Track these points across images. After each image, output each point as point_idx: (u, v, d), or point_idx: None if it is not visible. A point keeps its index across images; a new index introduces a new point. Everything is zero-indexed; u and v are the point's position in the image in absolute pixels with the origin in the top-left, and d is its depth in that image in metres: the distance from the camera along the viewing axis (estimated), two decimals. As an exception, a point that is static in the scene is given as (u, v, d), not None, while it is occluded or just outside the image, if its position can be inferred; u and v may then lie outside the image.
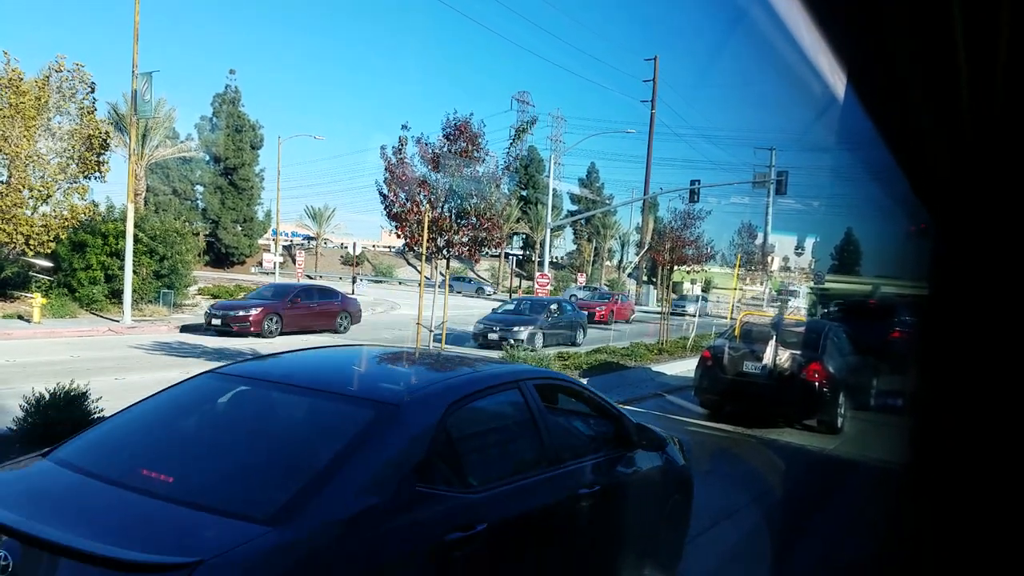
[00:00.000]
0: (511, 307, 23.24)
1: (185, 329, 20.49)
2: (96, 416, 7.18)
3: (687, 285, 42.91)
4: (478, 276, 64.00)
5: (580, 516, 3.75)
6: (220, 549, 2.30)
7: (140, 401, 3.57)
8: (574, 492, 3.72)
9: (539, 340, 19.96)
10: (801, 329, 11.71)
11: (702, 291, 46.92)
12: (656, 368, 16.31)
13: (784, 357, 10.53)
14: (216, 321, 19.46)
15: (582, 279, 58.54)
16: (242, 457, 3.17)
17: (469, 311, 31.64)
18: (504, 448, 3.84)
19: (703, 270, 31.08)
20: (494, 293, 53.15)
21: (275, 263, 47.49)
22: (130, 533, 2.50)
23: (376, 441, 2.90)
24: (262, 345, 17.70)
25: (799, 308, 42.51)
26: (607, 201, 68.51)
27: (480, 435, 3.75)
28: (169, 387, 3.67)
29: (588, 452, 4.21)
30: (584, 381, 11.64)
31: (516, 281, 62.04)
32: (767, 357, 10.55)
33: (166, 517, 2.57)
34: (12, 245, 20.43)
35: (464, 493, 3.13)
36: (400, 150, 11.95)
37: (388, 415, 3.04)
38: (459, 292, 51.59)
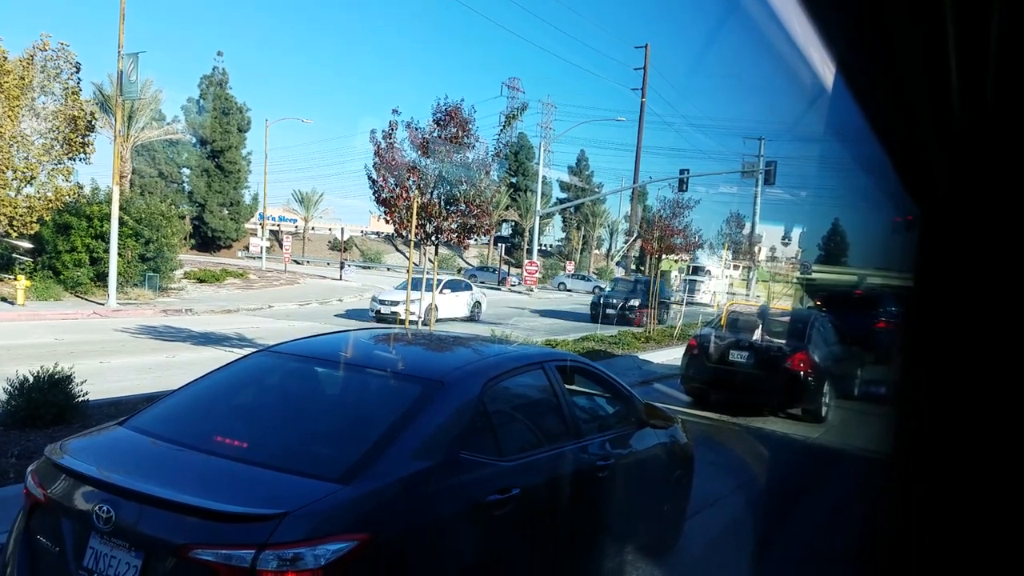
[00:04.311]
0: None
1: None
2: (80, 399, 7.15)
3: (675, 274, 42.52)
4: (464, 264, 63.78)
5: (597, 485, 4.07)
6: (301, 502, 2.60)
7: (200, 378, 3.84)
8: (592, 464, 4.04)
9: None
10: (787, 319, 11.78)
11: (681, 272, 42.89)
12: (643, 356, 16.37)
13: (770, 346, 10.60)
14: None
15: (571, 267, 58.62)
16: (306, 426, 3.52)
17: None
18: (532, 422, 4.12)
19: (691, 259, 31.12)
20: (519, 284, 48.06)
21: (262, 247, 47.23)
22: (217, 489, 2.76)
23: (425, 413, 3.23)
24: (264, 331, 17.64)
25: (714, 292, 40.84)
26: (596, 189, 68.50)
27: (511, 410, 4.06)
28: (226, 364, 3.99)
29: (604, 428, 4.62)
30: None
31: (505, 267, 61.80)
32: (753, 346, 10.62)
33: (247, 476, 2.86)
34: (-4, 227, 20.21)
35: (500, 461, 3.43)
36: (390, 135, 11.86)
37: (434, 390, 3.37)
38: (482, 283, 49.45)
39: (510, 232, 71.03)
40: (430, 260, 13.80)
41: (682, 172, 32.89)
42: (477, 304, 24.40)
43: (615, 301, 25.83)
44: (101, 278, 22.14)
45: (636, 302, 25.12)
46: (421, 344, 4.84)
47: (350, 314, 23.52)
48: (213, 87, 56.69)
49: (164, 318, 19.48)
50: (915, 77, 1.23)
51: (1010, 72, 1.07)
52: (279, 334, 16.62)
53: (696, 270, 42.87)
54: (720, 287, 42.06)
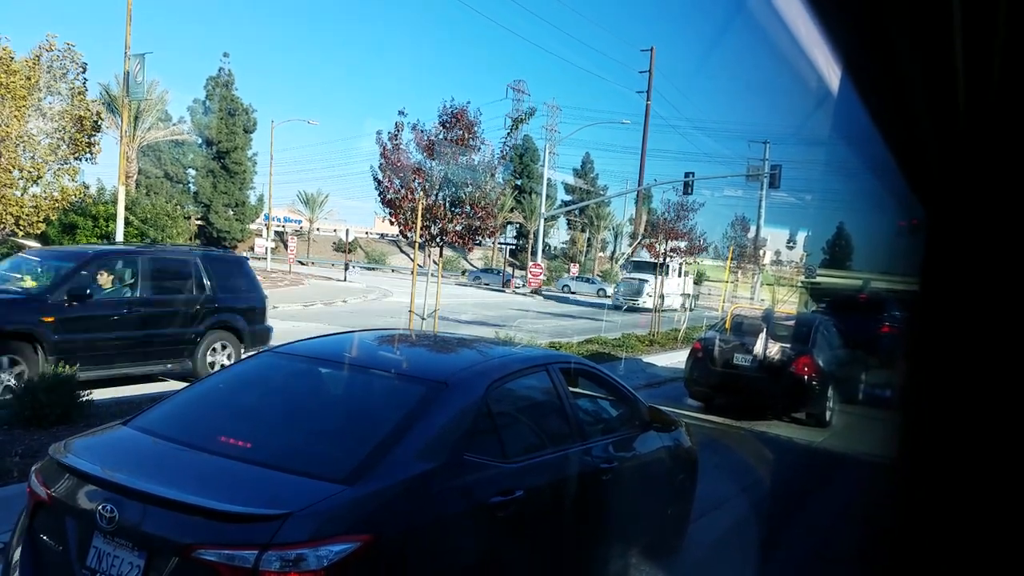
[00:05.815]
0: None
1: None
2: (84, 398, 7.16)
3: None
4: (469, 266, 63.81)
5: (600, 488, 4.04)
6: (305, 503, 2.61)
7: (205, 378, 3.89)
8: (596, 466, 4.03)
9: None
10: (791, 323, 11.76)
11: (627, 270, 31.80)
12: (647, 359, 16.34)
13: (774, 350, 10.58)
14: None
15: (575, 269, 58.61)
16: (310, 426, 3.53)
17: (462, 300, 31.54)
18: (535, 424, 4.12)
19: (695, 262, 30.90)
20: (523, 286, 44.84)
21: (267, 248, 47.33)
22: (221, 489, 2.76)
23: (429, 414, 3.24)
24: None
25: (661, 296, 33.76)
26: (601, 192, 68.49)
27: (515, 412, 4.04)
28: (232, 364, 4.09)
29: (607, 431, 4.62)
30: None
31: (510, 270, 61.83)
32: (757, 350, 10.60)
33: (250, 476, 2.87)
34: (2, 226, 20.26)
35: (504, 463, 3.43)
36: (396, 136, 11.88)
37: (438, 391, 3.37)
38: (486, 285, 48.19)
39: (515, 234, 71.08)
40: (435, 262, 13.81)
41: (687, 175, 32.80)
42: None
43: None
44: (106, 278, 22.19)
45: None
46: (425, 345, 4.84)
47: (353, 313, 23.52)
48: (219, 88, 56.83)
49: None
50: (921, 78, 1.23)
51: (1015, 73, 1.07)
52: (284, 335, 16.59)
53: (639, 265, 32.81)
54: (672, 288, 31.56)
